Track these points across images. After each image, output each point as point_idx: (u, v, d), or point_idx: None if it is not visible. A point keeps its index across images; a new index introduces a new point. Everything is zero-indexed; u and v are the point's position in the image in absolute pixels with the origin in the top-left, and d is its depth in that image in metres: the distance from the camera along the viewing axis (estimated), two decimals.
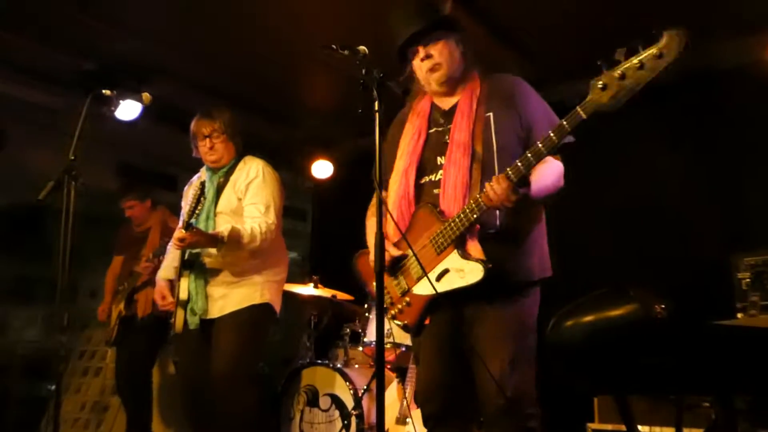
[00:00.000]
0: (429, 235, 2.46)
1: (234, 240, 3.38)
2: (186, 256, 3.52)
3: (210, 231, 3.42)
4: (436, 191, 2.51)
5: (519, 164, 2.24)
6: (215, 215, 3.55)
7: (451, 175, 2.47)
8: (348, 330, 4.59)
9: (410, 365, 3.92)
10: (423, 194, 2.57)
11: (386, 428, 3.26)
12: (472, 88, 2.59)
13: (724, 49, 4.49)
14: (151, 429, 4.71)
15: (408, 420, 3.81)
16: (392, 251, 2.55)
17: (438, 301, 2.46)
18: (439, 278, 2.41)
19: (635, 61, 1.95)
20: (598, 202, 4.70)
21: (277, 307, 3.65)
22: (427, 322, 2.53)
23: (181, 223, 3.45)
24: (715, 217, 4.48)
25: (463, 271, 2.35)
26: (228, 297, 3.50)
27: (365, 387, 4.11)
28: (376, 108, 2.27)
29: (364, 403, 4.05)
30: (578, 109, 2.11)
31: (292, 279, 4.30)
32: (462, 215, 2.37)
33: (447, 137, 2.54)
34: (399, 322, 2.59)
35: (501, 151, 2.45)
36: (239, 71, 5.12)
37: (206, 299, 3.48)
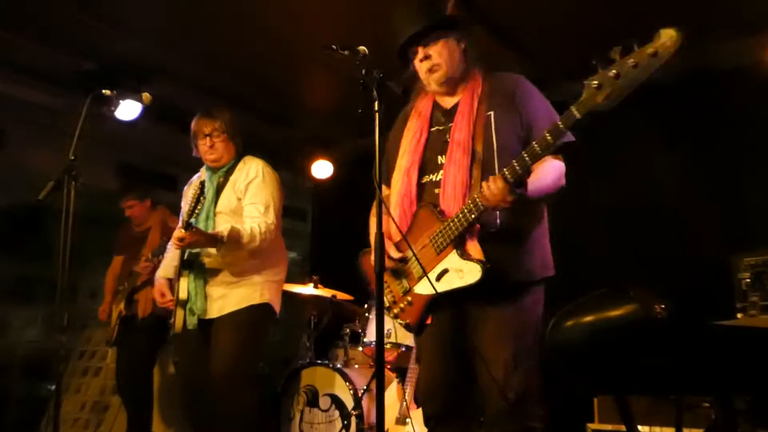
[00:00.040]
0: (429, 234, 2.46)
1: (233, 240, 3.38)
2: (185, 256, 3.52)
3: (209, 231, 3.42)
4: (436, 191, 2.52)
5: (515, 164, 2.23)
6: (215, 215, 3.55)
7: (451, 174, 2.47)
8: (348, 330, 4.59)
9: (410, 365, 3.92)
10: (424, 194, 2.57)
11: (386, 428, 3.26)
12: (473, 87, 2.58)
13: (724, 49, 4.49)
14: (152, 429, 4.71)
15: (408, 420, 3.81)
16: (393, 253, 2.56)
17: (439, 301, 2.46)
18: (439, 278, 2.41)
19: (630, 60, 1.94)
20: (599, 202, 4.70)
21: (277, 307, 3.65)
22: (428, 321, 2.53)
23: (180, 223, 3.44)
24: (715, 217, 4.48)
25: (462, 271, 2.35)
26: (227, 297, 3.50)
27: (365, 387, 4.11)
28: (376, 108, 2.27)
29: (364, 403, 4.05)
30: (572, 108, 2.10)
31: (292, 279, 4.30)
32: (460, 215, 2.37)
33: (448, 136, 2.54)
34: (401, 321, 2.59)
35: (501, 151, 2.44)
36: (239, 71, 5.12)
37: (205, 299, 3.48)
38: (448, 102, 2.65)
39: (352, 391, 4.09)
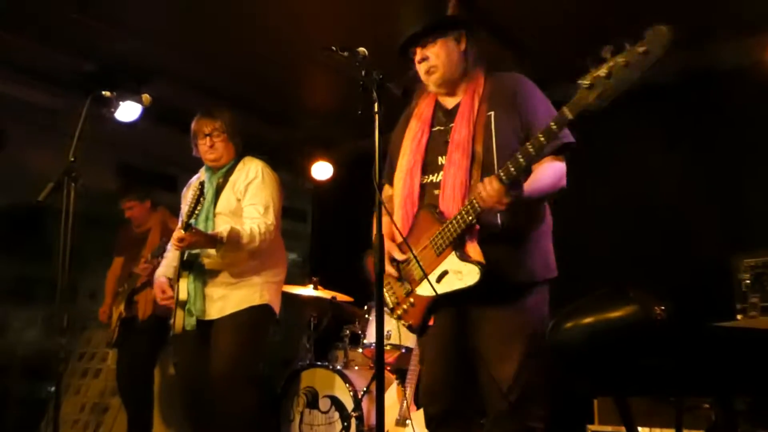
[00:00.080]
0: (429, 236, 2.46)
1: (233, 240, 3.38)
2: (185, 257, 3.52)
3: (209, 231, 3.42)
4: (436, 192, 2.51)
5: (510, 166, 2.22)
6: (214, 216, 3.55)
7: (451, 175, 2.46)
8: (348, 331, 4.59)
9: (410, 367, 3.92)
10: (425, 195, 2.57)
11: (386, 430, 3.26)
12: (474, 87, 2.57)
13: (724, 49, 4.49)
14: (152, 430, 4.70)
15: (408, 422, 3.81)
16: (396, 255, 2.56)
17: (440, 302, 2.46)
18: (439, 279, 2.41)
19: (621, 59, 1.93)
20: (598, 202, 4.70)
21: (277, 308, 3.65)
22: (430, 323, 2.53)
23: (180, 224, 3.45)
24: (714, 217, 4.48)
25: (461, 272, 2.35)
26: (227, 298, 3.50)
27: (365, 389, 4.11)
28: (376, 109, 2.26)
29: (364, 404, 4.04)
30: (564, 109, 2.10)
31: (291, 280, 4.29)
32: (458, 217, 2.36)
33: (448, 137, 2.54)
34: (404, 323, 2.59)
35: (501, 151, 2.43)
36: (239, 72, 5.12)
37: (204, 300, 3.48)
38: (449, 102, 2.64)
39: (352, 393, 4.09)
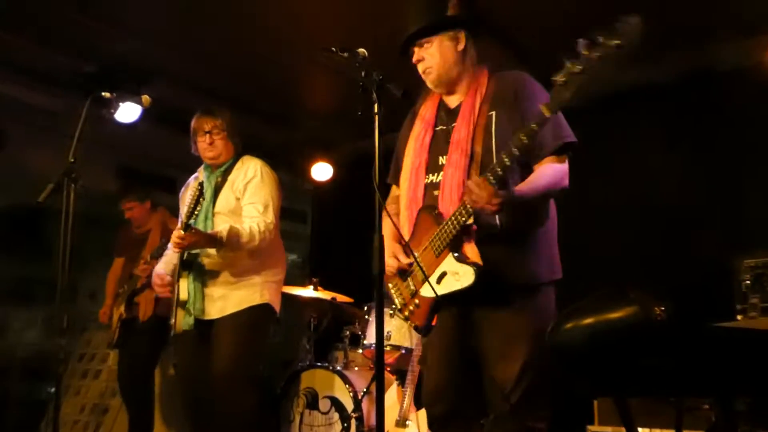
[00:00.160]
0: (429, 237, 2.46)
1: (233, 240, 3.37)
2: (184, 257, 3.52)
3: (208, 231, 3.42)
4: (435, 193, 2.51)
5: (497, 167, 2.22)
6: (213, 215, 3.55)
7: (449, 176, 2.46)
8: (348, 332, 4.59)
9: (410, 368, 3.92)
10: (427, 195, 2.57)
11: (386, 431, 3.26)
12: (477, 86, 2.55)
13: (724, 50, 4.49)
14: (153, 430, 4.70)
15: (408, 423, 3.81)
16: (401, 257, 2.56)
17: (442, 303, 2.45)
18: (438, 281, 2.40)
19: (594, 54, 1.92)
20: (598, 202, 4.69)
21: (277, 307, 3.65)
22: (434, 323, 2.53)
23: (180, 224, 3.44)
24: (714, 218, 4.48)
25: (458, 273, 2.34)
26: (228, 298, 3.50)
27: (365, 389, 4.10)
28: (376, 110, 2.26)
29: (364, 405, 4.04)
30: (542, 107, 2.09)
31: (291, 281, 4.29)
32: (453, 218, 2.36)
33: (450, 137, 2.54)
34: (411, 324, 2.59)
35: (500, 152, 2.42)
36: (239, 72, 5.12)
37: (204, 300, 3.48)
38: (453, 101, 2.63)
39: (351, 394, 4.09)
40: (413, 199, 2.58)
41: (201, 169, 3.77)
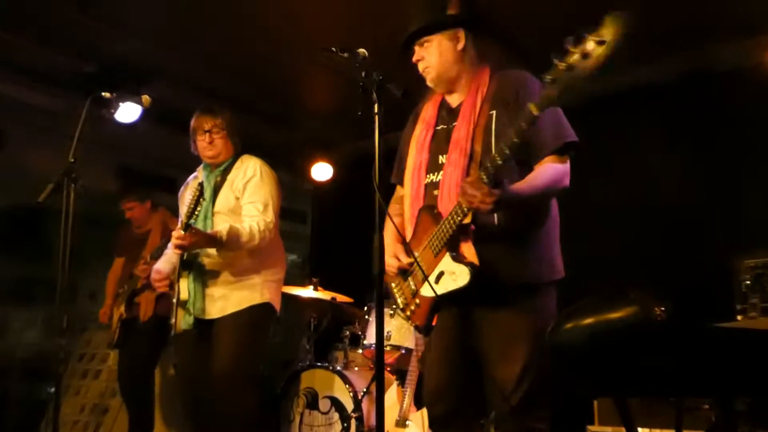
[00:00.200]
0: (428, 237, 2.46)
1: (233, 239, 3.37)
2: (184, 257, 3.51)
3: (208, 231, 3.42)
4: (435, 192, 2.51)
5: (488, 165, 2.21)
6: (213, 215, 3.55)
7: (448, 175, 2.46)
8: (348, 332, 4.59)
9: (410, 368, 3.92)
10: (427, 194, 2.57)
11: (386, 431, 3.26)
12: (478, 85, 2.54)
13: (724, 50, 4.49)
14: (153, 430, 4.70)
15: (408, 423, 3.81)
16: (402, 257, 2.55)
17: (442, 303, 2.45)
18: (437, 280, 2.40)
19: (579, 50, 1.91)
20: (598, 202, 4.69)
21: (277, 306, 3.65)
22: (434, 323, 2.53)
23: (180, 224, 3.44)
24: (715, 218, 4.48)
25: (454, 273, 2.33)
26: (228, 298, 3.50)
27: (365, 389, 4.11)
28: (376, 110, 2.26)
29: (364, 405, 4.04)
30: (530, 106, 2.07)
31: (291, 281, 4.29)
32: (449, 218, 2.35)
33: (450, 136, 2.53)
34: (412, 323, 2.58)
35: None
36: (239, 72, 5.12)
37: (204, 299, 3.48)
38: (454, 100, 2.62)
39: (351, 394, 4.09)
40: (415, 199, 2.59)
41: (200, 168, 3.77)
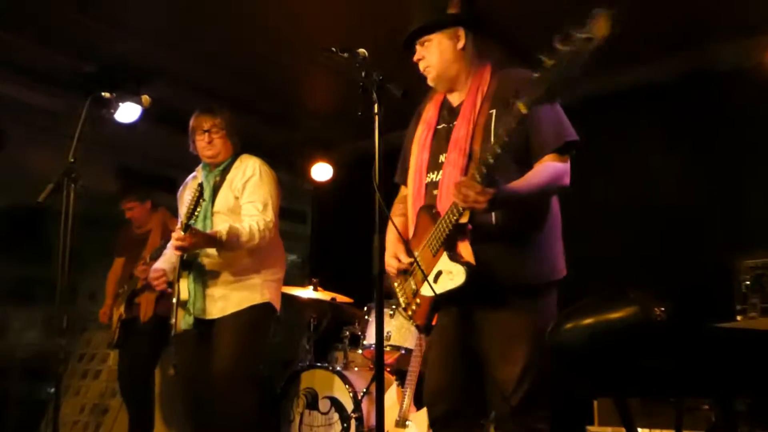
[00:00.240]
0: (426, 236, 2.46)
1: (233, 239, 3.37)
2: (184, 257, 3.51)
3: (207, 231, 3.42)
4: (434, 192, 2.51)
5: (481, 164, 2.20)
6: (212, 215, 3.55)
7: (447, 175, 2.45)
8: (347, 333, 4.59)
9: (410, 368, 3.92)
10: (428, 194, 2.56)
11: (386, 431, 3.26)
12: (479, 84, 2.53)
13: (724, 50, 4.49)
14: (153, 430, 4.70)
15: (408, 423, 3.81)
16: (402, 257, 2.55)
17: (442, 303, 2.45)
18: (435, 279, 2.39)
19: (567, 48, 1.91)
20: (598, 202, 4.69)
21: (278, 305, 3.66)
22: (434, 322, 2.52)
23: (179, 225, 3.44)
24: (715, 218, 4.48)
25: (451, 273, 2.33)
26: (228, 298, 3.50)
27: (365, 390, 4.10)
28: (376, 110, 2.26)
29: (364, 406, 4.04)
30: (518, 104, 2.07)
31: (291, 282, 4.29)
32: (445, 217, 2.35)
33: (450, 135, 2.53)
34: (414, 323, 2.58)
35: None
36: (239, 73, 5.13)
37: (205, 300, 3.48)
38: (455, 99, 2.62)
39: (351, 394, 4.09)
40: (416, 198, 2.59)
41: (199, 168, 3.77)
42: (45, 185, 3.03)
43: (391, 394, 4.02)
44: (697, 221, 4.52)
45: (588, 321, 1.77)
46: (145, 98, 3.89)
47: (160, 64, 4.91)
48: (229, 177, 3.62)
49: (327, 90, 5.40)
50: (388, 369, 4.25)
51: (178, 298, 3.47)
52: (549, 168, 2.40)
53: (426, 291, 2.46)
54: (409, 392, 3.85)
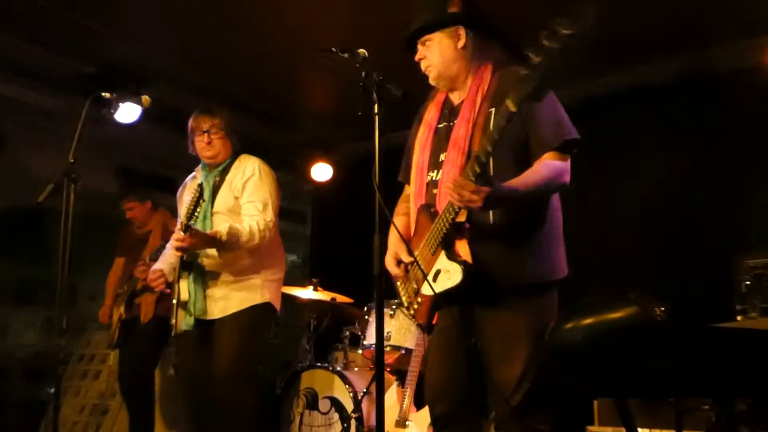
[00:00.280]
0: (426, 235, 2.46)
1: (233, 239, 3.37)
2: (184, 258, 3.51)
3: (207, 231, 3.42)
4: (434, 191, 2.51)
5: (474, 163, 2.20)
6: (212, 215, 3.55)
7: (446, 174, 2.45)
8: (347, 333, 4.59)
9: (410, 368, 3.91)
10: (428, 193, 2.56)
11: (386, 431, 3.26)
12: (479, 82, 2.53)
13: (725, 51, 4.49)
14: (154, 430, 4.70)
15: (408, 423, 3.81)
16: (404, 257, 2.55)
17: (441, 302, 2.45)
18: (435, 278, 2.39)
19: (552, 45, 1.91)
20: (598, 203, 4.69)
21: (278, 305, 3.66)
22: (434, 321, 2.52)
23: (179, 225, 3.44)
24: (715, 218, 4.48)
25: (449, 271, 2.33)
26: (229, 298, 3.50)
27: (365, 390, 4.10)
28: (376, 111, 2.26)
29: (364, 406, 4.04)
30: (507, 102, 2.08)
31: (291, 282, 4.29)
32: (442, 216, 2.35)
33: (450, 134, 2.53)
34: (416, 322, 2.59)
35: (498, 151, 2.40)
36: (239, 73, 5.12)
37: (205, 300, 3.48)
38: (456, 98, 2.62)
39: (351, 394, 4.09)
40: (418, 197, 2.59)
41: (198, 168, 3.76)
42: (45, 186, 3.03)
43: (391, 394, 4.02)
44: (697, 221, 4.52)
45: (588, 321, 1.77)
46: (145, 99, 3.89)
47: (160, 65, 4.91)
48: (228, 177, 3.62)
49: (327, 90, 5.40)
50: (388, 369, 4.25)
51: (178, 299, 3.47)
52: (547, 166, 2.39)
53: (426, 290, 2.45)
54: (409, 392, 3.85)
